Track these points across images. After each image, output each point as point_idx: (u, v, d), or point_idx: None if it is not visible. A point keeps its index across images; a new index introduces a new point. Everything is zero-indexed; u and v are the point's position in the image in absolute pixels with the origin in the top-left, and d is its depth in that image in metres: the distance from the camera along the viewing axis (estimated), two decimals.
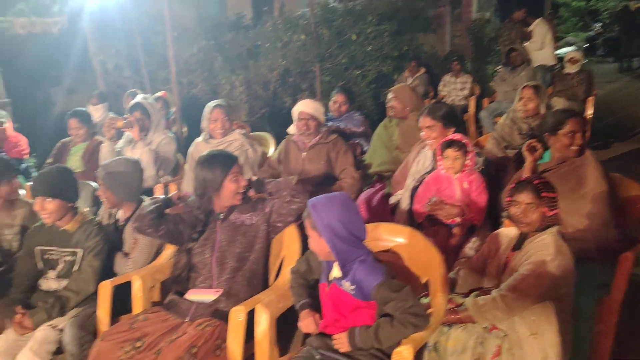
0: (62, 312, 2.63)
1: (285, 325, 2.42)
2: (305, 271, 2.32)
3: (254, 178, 2.71)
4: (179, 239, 2.62)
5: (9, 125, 5.35)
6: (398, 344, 1.97)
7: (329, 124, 4.39)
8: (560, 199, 2.32)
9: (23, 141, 5.39)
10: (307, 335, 2.26)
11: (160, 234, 2.57)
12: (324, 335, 2.15)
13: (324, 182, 3.51)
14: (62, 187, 2.76)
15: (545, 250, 2.21)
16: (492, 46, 9.40)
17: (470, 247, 2.88)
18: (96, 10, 6.87)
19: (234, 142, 3.86)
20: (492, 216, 3.13)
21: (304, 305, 2.24)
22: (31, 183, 3.75)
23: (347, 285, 2.07)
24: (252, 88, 6.83)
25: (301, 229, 2.69)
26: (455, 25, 9.41)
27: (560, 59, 7.35)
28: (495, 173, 3.40)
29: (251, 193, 2.65)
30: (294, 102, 5.94)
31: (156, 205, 2.57)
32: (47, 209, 2.70)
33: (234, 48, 7.02)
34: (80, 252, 2.76)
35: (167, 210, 2.62)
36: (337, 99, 4.66)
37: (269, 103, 6.96)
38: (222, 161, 2.56)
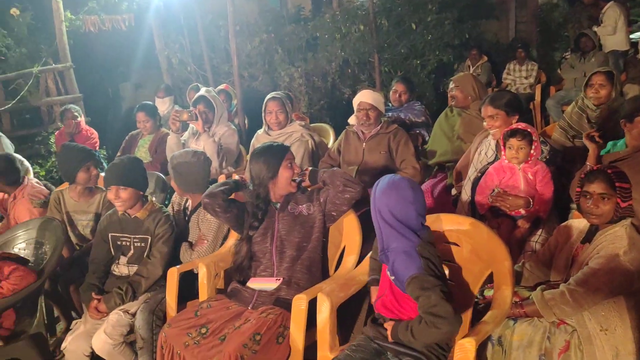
0: (134, 297, 2.77)
1: (347, 314, 2.44)
2: None
3: (310, 169, 2.74)
4: (241, 226, 2.69)
5: (82, 119, 5.62)
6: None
7: (389, 114, 4.36)
8: (634, 189, 2.21)
9: (95, 134, 5.65)
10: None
11: (227, 216, 2.66)
12: (380, 325, 2.14)
13: (384, 173, 3.45)
14: (134, 176, 2.89)
15: (617, 243, 2.12)
16: (560, 32, 9.00)
17: (536, 240, 2.79)
18: (161, 7, 7.10)
19: (294, 133, 3.90)
20: (559, 208, 3.02)
21: (372, 282, 2.28)
22: (103, 174, 3.96)
23: (388, 274, 2.06)
24: (311, 80, 6.87)
25: (361, 218, 2.71)
26: (520, 10, 9.05)
27: (634, 44, 6.97)
28: (563, 163, 3.27)
29: (306, 183, 2.69)
30: (353, 93, 5.95)
31: (227, 187, 2.67)
32: (121, 197, 2.83)
33: (293, 40, 7.07)
34: (149, 238, 2.88)
35: (235, 195, 2.71)
36: (397, 88, 4.62)
37: (327, 94, 6.98)
38: (275, 150, 2.65)
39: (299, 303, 2.30)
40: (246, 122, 5.59)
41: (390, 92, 4.66)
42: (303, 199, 2.66)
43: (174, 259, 2.93)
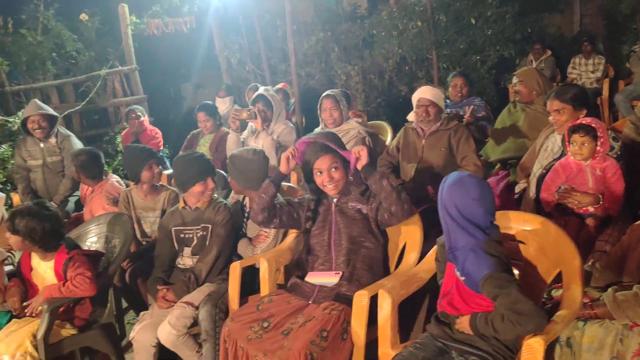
0: (197, 284, 2.87)
1: (407, 311, 2.42)
2: None
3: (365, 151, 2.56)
4: (297, 223, 2.71)
5: (145, 119, 5.81)
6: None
7: (448, 110, 4.29)
8: None
9: (159, 134, 5.84)
10: (428, 323, 2.24)
11: (274, 226, 2.73)
12: (444, 324, 2.11)
13: (444, 170, 3.43)
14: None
15: None
16: (627, 24, 8.62)
17: (606, 240, 2.67)
18: (221, 8, 7.26)
19: (351, 130, 3.91)
20: (633, 206, 2.89)
21: None
22: (166, 172, 4.10)
23: (458, 274, 2.01)
24: (367, 78, 6.85)
25: (422, 215, 2.68)
26: (585, 3, 8.74)
27: None
28: (630, 159, 3.12)
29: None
30: (410, 91, 5.88)
31: (266, 196, 2.62)
32: (214, 186, 3.02)
33: (349, 38, 7.08)
34: (210, 227, 2.98)
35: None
36: (456, 82, 4.57)
37: (384, 92, 6.95)
38: (311, 151, 2.58)
39: (361, 299, 2.29)
40: (303, 120, 5.65)
41: (450, 88, 4.60)
42: (359, 198, 2.61)
43: (233, 248, 3.03)
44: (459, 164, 3.45)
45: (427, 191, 3.41)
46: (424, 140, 3.56)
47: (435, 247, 2.44)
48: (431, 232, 2.79)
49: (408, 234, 2.66)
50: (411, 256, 2.58)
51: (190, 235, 3.03)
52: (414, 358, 2.03)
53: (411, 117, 3.76)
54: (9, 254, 3.21)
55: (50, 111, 4.65)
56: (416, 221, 2.64)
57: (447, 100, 4.57)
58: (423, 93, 3.53)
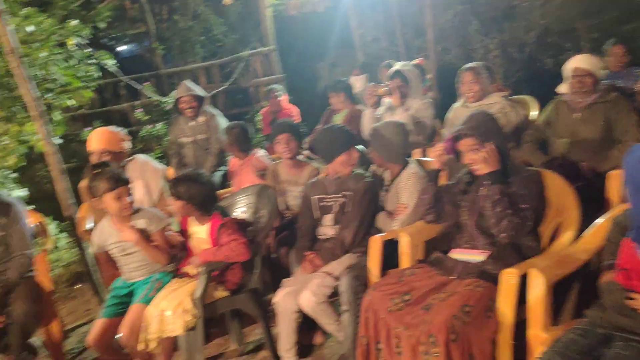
0: (342, 250, 2.96)
1: (557, 293, 2.28)
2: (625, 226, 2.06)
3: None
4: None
5: (284, 98, 6.04)
6: None
7: (606, 82, 3.94)
8: None
9: (295, 111, 6.05)
10: (580, 308, 2.11)
11: (444, 221, 2.73)
12: (605, 310, 1.96)
13: (600, 146, 3.17)
14: None
15: None
16: None
17: None
18: None
19: (495, 105, 3.73)
20: None
21: (608, 267, 2.06)
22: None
23: None
24: (507, 51, 6.54)
25: (578, 191, 2.51)
26: None
27: None
28: None
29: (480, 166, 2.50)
30: (556, 64, 5.50)
31: (428, 196, 2.71)
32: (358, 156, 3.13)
33: (489, 10, 6.79)
34: (351, 194, 3.05)
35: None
36: (616, 50, 4.24)
37: (524, 66, 6.59)
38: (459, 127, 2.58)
39: (510, 277, 2.20)
40: (440, 96, 5.52)
41: (608, 57, 4.22)
42: (507, 181, 2.48)
43: (372, 219, 3.07)
44: (618, 138, 3.16)
45: (579, 168, 3.17)
46: (577, 114, 3.30)
47: (596, 226, 2.28)
48: (585, 211, 2.60)
49: (565, 212, 2.50)
50: (567, 235, 2.43)
51: (331, 203, 3.11)
52: (576, 345, 1.90)
53: (562, 89, 3.50)
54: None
55: (200, 91, 4.96)
56: (572, 199, 2.48)
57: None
58: (579, 62, 3.27)
